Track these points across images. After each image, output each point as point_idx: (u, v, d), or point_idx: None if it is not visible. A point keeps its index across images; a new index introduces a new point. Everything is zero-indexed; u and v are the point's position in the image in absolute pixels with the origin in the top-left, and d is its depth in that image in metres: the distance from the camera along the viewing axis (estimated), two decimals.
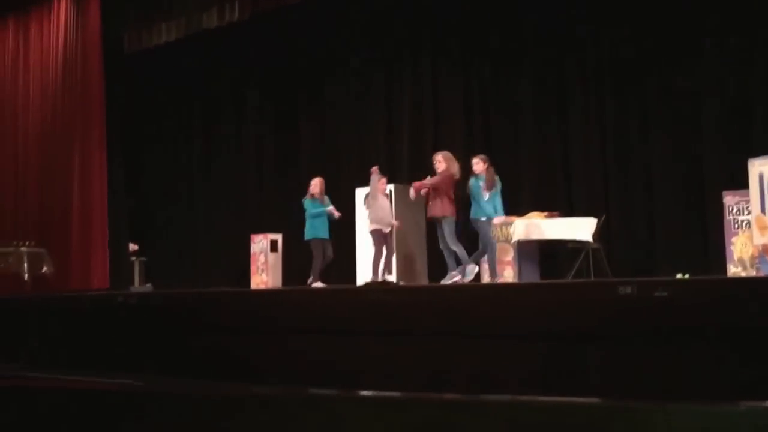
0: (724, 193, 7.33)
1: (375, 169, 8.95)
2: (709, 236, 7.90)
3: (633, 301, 5.12)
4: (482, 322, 5.75)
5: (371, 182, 8.90)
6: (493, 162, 8.21)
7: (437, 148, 10.12)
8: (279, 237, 10.79)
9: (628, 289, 5.25)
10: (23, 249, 11.73)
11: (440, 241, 8.17)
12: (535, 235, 8.56)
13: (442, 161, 8.27)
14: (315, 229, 9.20)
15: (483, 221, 7.90)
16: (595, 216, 8.32)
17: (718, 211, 7.43)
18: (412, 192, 8.29)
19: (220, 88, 12.55)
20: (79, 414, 2.86)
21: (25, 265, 11.61)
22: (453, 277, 7.94)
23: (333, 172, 10.35)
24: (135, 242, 12.27)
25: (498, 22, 9.89)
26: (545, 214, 8.70)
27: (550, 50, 9.45)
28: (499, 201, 7.99)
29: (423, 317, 6.03)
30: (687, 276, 6.94)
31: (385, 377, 5.75)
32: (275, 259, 10.72)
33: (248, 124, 12.38)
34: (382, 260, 8.69)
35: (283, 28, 11.28)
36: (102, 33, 12.10)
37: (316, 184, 9.37)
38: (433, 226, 8.59)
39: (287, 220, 11.29)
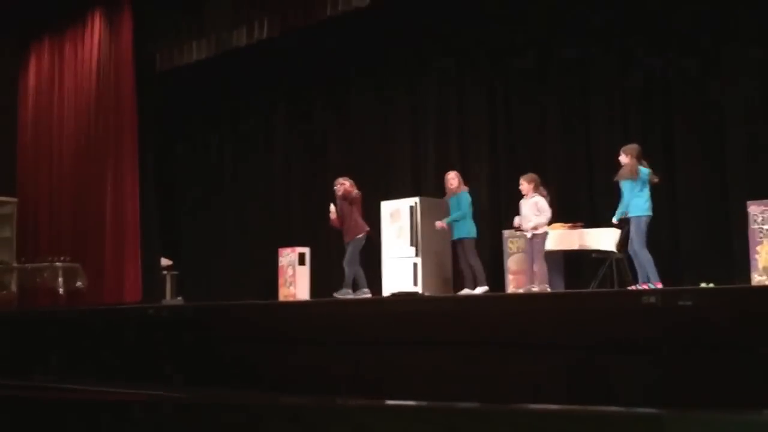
0: (749, 202, 7.35)
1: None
2: (734, 245, 7.89)
3: (657, 310, 5.16)
4: (507, 331, 5.81)
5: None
6: (517, 172, 8.29)
7: (463, 161, 10.29)
8: (306, 250, 10.94)
9: (652, 299, 5.28)
10: (58, 264, 12.01)
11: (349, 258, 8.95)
12: (560, 246, 8.61)
13: (345, 183, 9.24)
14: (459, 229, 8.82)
15: (633, 218, 7.53)
16: (618, 227, 8.36)
17: (742, 221, 7.45)
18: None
19: (250, 105, 12.76)
20: (108, 425, 2.94)
21: (60, 279, 11.88)
22: (347, 293, 8.82)
23: (359, 187, 10.50)
24: (168, 258, 12.46)
25: (522, 36, 9.99)
26: (569, 225, 8.76)
27: (574, 62, 9.52)
28: (629, 197, 7.52)
29: (449, 327, 6.11)
30: (711, 285, 6.94)
31: (412, 387, 5.84)
32: (303, 272, 10.85)
33: (276, 140, 12.57)
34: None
35: (312, 45, 11.45)
36: (135, 52, 12.37)
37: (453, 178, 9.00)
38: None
39: (315, 233, 11.43)
